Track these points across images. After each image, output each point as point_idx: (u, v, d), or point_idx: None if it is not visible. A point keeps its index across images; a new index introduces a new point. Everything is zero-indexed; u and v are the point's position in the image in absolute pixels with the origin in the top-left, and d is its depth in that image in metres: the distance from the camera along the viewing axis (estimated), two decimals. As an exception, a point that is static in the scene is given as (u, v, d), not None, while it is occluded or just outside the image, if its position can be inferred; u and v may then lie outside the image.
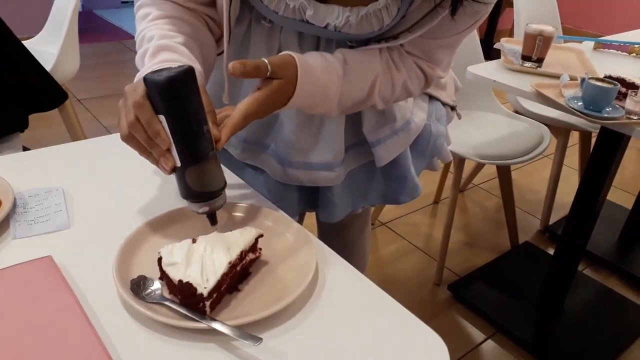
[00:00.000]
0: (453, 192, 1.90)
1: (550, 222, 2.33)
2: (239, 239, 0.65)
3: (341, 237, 1.30)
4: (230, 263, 0.62)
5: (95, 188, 0.86)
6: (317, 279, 0.68)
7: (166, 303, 0.61)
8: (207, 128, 0.64)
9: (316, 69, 0.74)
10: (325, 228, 1.29)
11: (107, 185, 0.87)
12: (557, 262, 1.79)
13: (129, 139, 0.64)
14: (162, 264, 0.63)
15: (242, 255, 0.65)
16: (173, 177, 0.67)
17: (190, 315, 0.59)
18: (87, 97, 3.19)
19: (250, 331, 0.59)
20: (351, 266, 0.73)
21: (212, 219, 0.70)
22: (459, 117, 1.20)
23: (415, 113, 1.00)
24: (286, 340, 0.60)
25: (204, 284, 0.59)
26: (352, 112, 0.86)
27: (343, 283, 0.69)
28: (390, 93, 0.85)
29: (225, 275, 0.61)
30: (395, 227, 2.28)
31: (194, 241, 0.65)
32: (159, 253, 0.64)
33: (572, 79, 1.40)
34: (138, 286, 0.63)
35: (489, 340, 1.76)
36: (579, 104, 1.29)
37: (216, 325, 0.57)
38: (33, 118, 1.46)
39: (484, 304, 1.87)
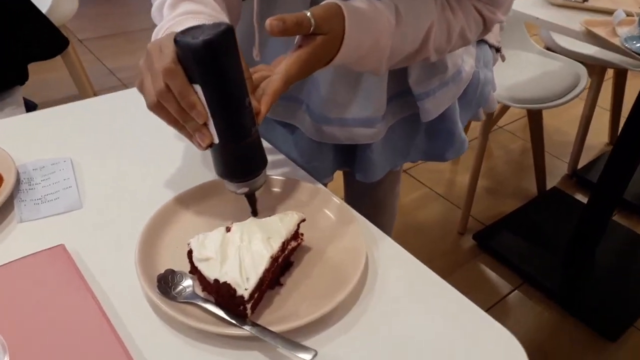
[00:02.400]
0: (482, 138, 1.79)
1: (579, 166, 2.23)
2: (280, 227, 0.56)
3: (371, 196, 1.21)
4: (272, 257, 0.53)
5: (109, 157, 0.76)
6: (367, 267, 0.60)
7: (200, 304, 0.53)
8: (249, 100, 0.55)
9: (365, 18, 0.62)
10: (353, 186, 1.20)
11: (123, 153, 0.77)
12: (590, 210, 1.71)
13: (157, 108, 0.55)
14: (194, 259, 0.54)
15: (284, 245, 0.56)
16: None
17: (228, 319, 0.51)
18: (88, 37, 3.03)
19: (296, 334, 0.51)
20: (401, 247, 0.65)
21: (252, 200, 0.63)
22: (503, 59, 1.08)
23: (465, 60, 0.89)
24: (339, 346, 0.52)
25: (244, 285, 0.50)
26: (400, 67, 0.75)
27: (396, 268, 0.61)
28: (445, 42, 0.73)
29: (266, 271, 0.53)
30: (417, 174, 2.18)
31: (228, 230, 0.56)
32: (188, 245, 0.55)
33: (628, 15, 1.25)
34: (166, 282, 0.55)
35: (516, 291, 1.71)
36: (638, 45, 1.15)
37: (261, 334, 0.49)
38: (33, 63, 1.34)
39: (510, 253, 1.81)
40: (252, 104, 0.56)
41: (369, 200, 1.21)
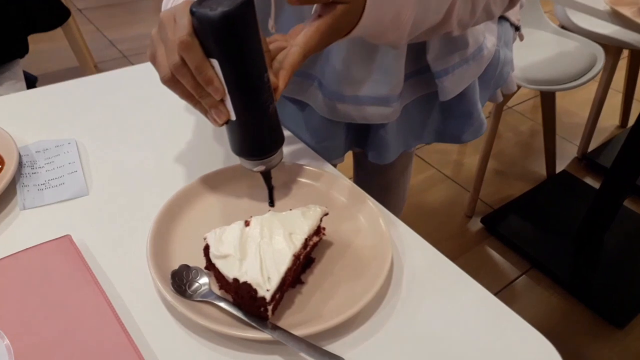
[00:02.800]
0: (494, 119, 1.75)
1: (589, 150, 2.19)
2: (302, 222, 0.53)
3: (381, 178, 1.17)
4: (294, 255, 0.50)
5: (116, 138, 0.72)
6: (393, 263, 0.56)
7: (217, 303, 0.49)
8: (268, 76, 0.52)
9: None
10: (363, 167, 1.17)
11: (131, 135, 0.73)
12: (601, 195, 1.67)
13: (171, 83, 0.52)
14: (211, 255, 0.50)
15: (306, 241, 0.52)
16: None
17: (248, 320, 0.48)
18: (88, 6, 2.94)
19: (318, 338, 0.48)
20: (425, 241, 0.61)
21: (267, 177, 0.61)
22: (522, 38, 1.03)
23: (487, 37, 0.84)
24: (365, 351, 0.49)
25: (266, 285, 0.47)
26: (420, 40, 0.71)
27: (421, 263, 0.57)
28: (469, 16, 0.69)
29: (288, 270, 0.49)
30: (424, 155, 2.14)
31: (246, 224, 0.52)
32: (204, 239, 0.52)
33: (656, -5, 1.20)
34: (180, 279, 0.51)
35: (524, 276, 1.69)
36: (666, 27, 1.10)
37: (283, 339, 0.46)
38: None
39: (518, 237, 1.78)
40: (270, 78, 0.53)
41: (380, 182, 1.17)
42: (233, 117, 0.53)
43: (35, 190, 0.62)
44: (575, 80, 1.69)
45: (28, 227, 0.59)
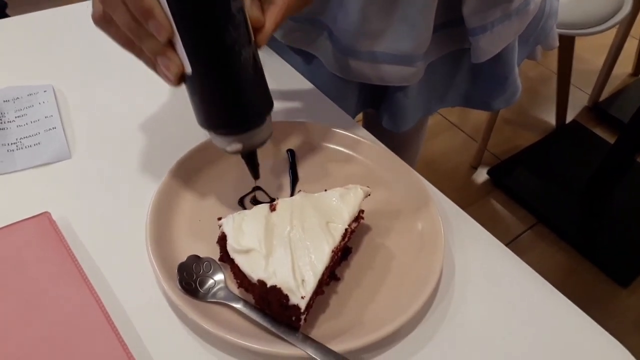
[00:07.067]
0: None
1: (600, 99, 2.09)
2: (341, 207, 0.42)
3: (393, 135, 1.07)
4: (333, 251, 0.40)
5: (106, 84, 0.60)
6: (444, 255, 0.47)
7: (236, 306, 0.40)
8: (239, 5, 0.37)
9: None
10: (372, 122, 1.05)
11: (126, 80, 0.60)
12: (616, 151, 1.59)
13: (103, 22, 0.40)
14: (229, 249, 0.40)
15: (346, 232, 0.42)
16: None
17: (274, 330, 0.38)
18: None
19: (360, 352, 0.39)
20: (475, 222, 0.53)
21: (252, 162, 0.45)
22: None
23: None
24: (417, 366, 0.40)
25: (299, 290, 0.37)
26: None
27: (476, 254, 0.49)
28: None
29: (325, 270, 0.40)
30: (430, 99, 2.03)
31: (272, 208, 0.42)
32: (219, 226, 0.41)
33: None
34: (189, 274, 0.41)
35: (529, 231, 1.64)
36: None
37: (320, 356, 0.37)
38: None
39: (525, 191, 1.72)
40: (246, 11, 0.38)
41: (391, 139, 1.07)
42: (188, 70, 0.38)
43: (4, 151, 0.50)
44: (600, 24, 1.56)
45: (-4, 198, 0.48)
